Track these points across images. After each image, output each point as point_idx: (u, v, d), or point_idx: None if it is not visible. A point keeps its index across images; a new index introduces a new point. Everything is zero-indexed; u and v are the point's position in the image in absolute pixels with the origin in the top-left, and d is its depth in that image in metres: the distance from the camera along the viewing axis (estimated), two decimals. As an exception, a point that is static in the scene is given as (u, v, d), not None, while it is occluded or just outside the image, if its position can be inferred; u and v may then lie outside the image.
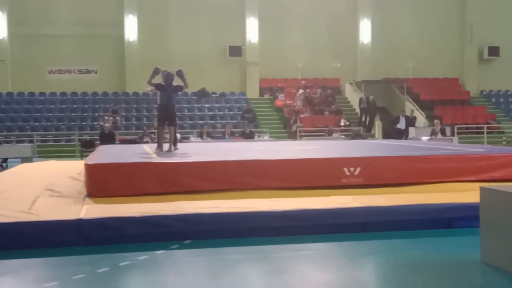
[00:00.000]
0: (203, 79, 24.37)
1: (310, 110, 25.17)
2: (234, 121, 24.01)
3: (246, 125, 22.05)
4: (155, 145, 10.64)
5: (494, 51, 28.94)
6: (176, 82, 10.59)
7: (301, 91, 25.50)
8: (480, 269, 5.22)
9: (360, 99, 24.83)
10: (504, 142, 22.76)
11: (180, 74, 10.39)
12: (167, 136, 10.90)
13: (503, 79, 28.80)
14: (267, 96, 27.11)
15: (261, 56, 27.06)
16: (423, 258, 5.63)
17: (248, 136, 20.34)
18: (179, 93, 10.63)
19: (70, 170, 10.82)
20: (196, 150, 10.94)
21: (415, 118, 23.22)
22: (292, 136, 22.96)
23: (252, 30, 27.04)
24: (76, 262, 5.60)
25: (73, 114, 24.22)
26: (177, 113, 25.20)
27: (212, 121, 24.14)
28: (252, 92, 27.09)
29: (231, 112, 25.27)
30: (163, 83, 10.23)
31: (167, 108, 10.32)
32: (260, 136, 21.25)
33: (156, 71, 10.30)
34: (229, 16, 26.91)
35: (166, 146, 10.48)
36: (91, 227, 6.18)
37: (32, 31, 25.52)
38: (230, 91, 26.75)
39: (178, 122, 23.88)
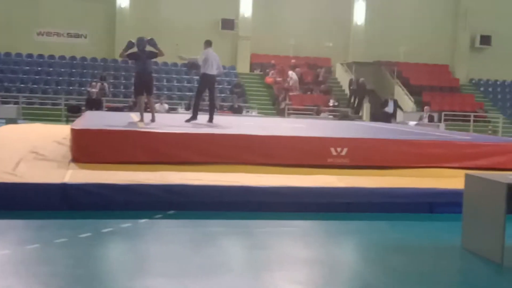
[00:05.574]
0: (194, 50, 24.11)
1: (300, 89, 25.10)
2: (223, 95, 23.91)
3: (235, 100, 21.98)
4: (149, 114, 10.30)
5: (486, 40, 28.99)
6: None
7: (293, 74, 25.18)
8: (460, 254, 5.29)
9: (350, 80, 24.81)
10: (489, 132, 22.95)
11: (152, 43, 10.10)
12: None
13: (493, 69, 28.91)
14: (257, 72, 26.98)
15: (253, 31, 26.85)
16: (404, 241, 5.70)
17: (236, 110, 20.29)
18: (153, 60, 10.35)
19: (55, 134, 10.73)
20: (183, 122, 10.87)
21: (396, 101, 23.18)
22: (280, 113, 22.94)
23: (246, 3, 26.77)
24: (59, 226, 5.60)
25: (60, 78, 23.94)
26: (166, 84, 25.14)
27: (195, 92, 23.95)
28: (243, 67, 26.94)
29: (220, 86, 25.11)
30: (136, 51, 9.98)
31: (143, 76, 10.02)
32: (248, 111, 21.22)
33: (129, 45, 10.00)
34: (224, -12, 26.61)
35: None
36: (75, 192, 6.16)
37: (22, -10, 25.03)
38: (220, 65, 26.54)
39: (167, 93, 23.83)
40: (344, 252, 5.46)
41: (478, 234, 5.18)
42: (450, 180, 7.35)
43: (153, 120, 10.02)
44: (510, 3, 28.63)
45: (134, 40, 10.02)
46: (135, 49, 10.00)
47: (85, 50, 25.59)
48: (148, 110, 10.65)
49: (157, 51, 10.01)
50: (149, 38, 10.16)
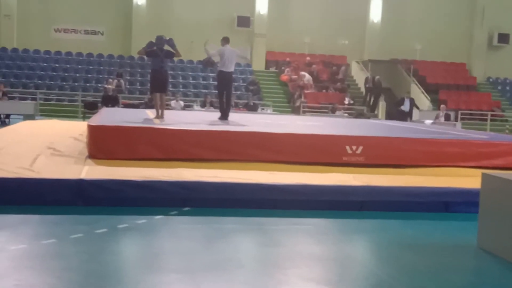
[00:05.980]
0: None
1: (315, 87, 25.04)
2: (238, 92, 23.93)
3: (250, 97, 21.99)
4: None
5: (504, 38, 28.71)
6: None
7: (306, 74, 25.04)
8: (475, 253, 5.25)
9: (366, 79, 24.69)
10: (507, 131, 22.72)
11: (171, 43, 10.25)
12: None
13: (511, 67, 28.61)
14: (272, 69, 26.96)
15: (269, 28, 26.83)
16: (418, 239, 5.67)
17: (251, 108, 20.31)
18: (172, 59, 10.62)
19: (72, 130, 10.84)
20: (199, 119, 10.91)
21: (412, 99, 23.03)
22: (296, 111, 22.91)
23: (261, 0, 26.76)
24: (75, 221, 5.64)
25: (77, 75, 24.14)
26: (182, 81, 25.23)
27: (216, 91, 24.02)
28: (258, 64, 26.93)
29: (235, 83, 25.10)
30: (155, 48, 10.11)
31: (161, 74, 10.17)
32: (263, 109, 21.21)
33: (150, 45, 10.18)
34: (239, -15, 26.62)
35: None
36: (91, 188, 6.21)
37: (40, -13, 25.26)
38: (235, 62, 26.56)
39: (183, 90, 23.93)
40: (357, 250, 5.45)
41: (494, 233, 5.14)
42: (467, 179, 7.29)
43: (161, 116, 10.19)
44: (529, 1, 28.33)
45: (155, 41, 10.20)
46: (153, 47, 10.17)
47: (101, 47, 25.78)
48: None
49: (174, 52, 10.16)
50: (168, 38, 10.31)
